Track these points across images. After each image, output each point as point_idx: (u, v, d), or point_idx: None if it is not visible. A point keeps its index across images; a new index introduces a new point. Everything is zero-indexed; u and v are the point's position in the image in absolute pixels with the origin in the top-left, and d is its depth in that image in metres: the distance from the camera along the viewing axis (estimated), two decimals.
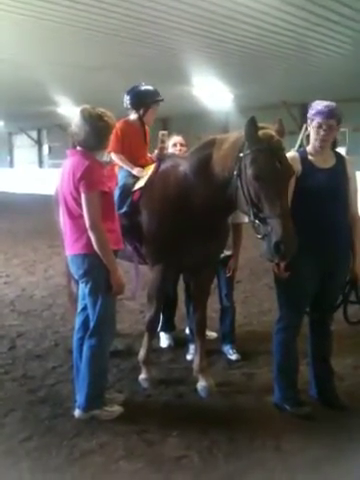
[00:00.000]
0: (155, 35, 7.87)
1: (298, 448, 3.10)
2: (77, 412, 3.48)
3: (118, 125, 4.14)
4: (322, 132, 3.27)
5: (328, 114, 3.26)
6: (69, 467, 2.94)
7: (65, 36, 7.86)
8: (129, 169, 4.00)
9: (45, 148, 27.75)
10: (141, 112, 4.20)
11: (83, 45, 8.47)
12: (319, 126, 3.28)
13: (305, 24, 7.31)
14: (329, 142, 3.34)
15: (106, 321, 3.43)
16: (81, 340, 3.52)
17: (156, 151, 4.06)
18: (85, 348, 3.44)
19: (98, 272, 3.33)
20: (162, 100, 4.25)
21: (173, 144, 4.53)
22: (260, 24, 7.29)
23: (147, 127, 4.33)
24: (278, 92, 13.22)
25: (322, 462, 2.96)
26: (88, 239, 3.27)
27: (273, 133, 3.08)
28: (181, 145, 4.53)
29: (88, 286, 3.38)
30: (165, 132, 4.21)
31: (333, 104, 3.30)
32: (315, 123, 3.29)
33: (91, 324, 3.43)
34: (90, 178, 3.23)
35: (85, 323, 3.52)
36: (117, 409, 3.53)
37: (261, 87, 12.42)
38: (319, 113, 3.27)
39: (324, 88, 10.97)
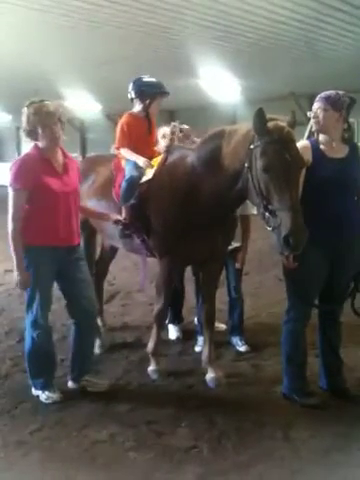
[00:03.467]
0: (163, 27, 7.83)
1: (307, 437, 3.11)
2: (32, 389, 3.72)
3: (123, 119, 4.13)
4: (313, 114, 3.29)
5: (320, 98, 3.29)
6: (79, 457, 2.96)
7: (73, 29, 7.84)
8: (135, 160, 3.94)
9: None
10: (147, 103, 4.12)
11: (91, 38, 8.44)
12: (313, 110, 3.31)
13: (314, 14, 7.23)
14: (326, 128, 3.29)
15: (34, 307, 3.56)
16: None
17: (166, 142, 4.02)
18: None
19: (27, 261, 3.46)
20: (168, 93, 4.19)
21: (162, 135, 4.45)
22: (268, 15, 7.22)
23: (153, 119, 4.27)
24: (286, 83, 13.10)
25: (331, 451, 2.97)
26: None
27: (283, 124, 3.05)
28: (172, 133, 4.43)
29: None
30: (176, 124, 4.18)
31: (335, 91, 3.30)
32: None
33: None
34: (13, 173, 3.38)
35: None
36: (55, 396, 3.63)
37: (269, 78, 12.32)
38: (317, 98, 3.32)
39: (333, 79, 10.83)
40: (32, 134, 3.46)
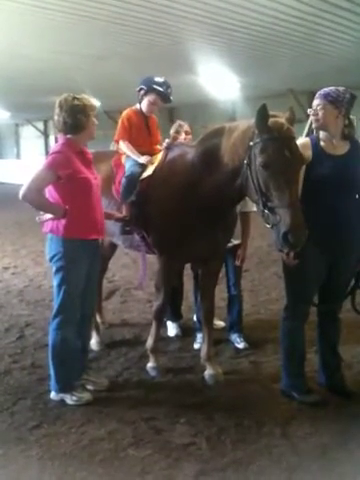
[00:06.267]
0: (161, 23, 7.79)
1: (306, 434, 3.11)
2: (51, 393, 3.59)
3: (125, 113, 4.16)
4: (313, 111, 3.28)
5: (319, 95, 3.28)
6: (78, 454, 2.96)
7: (70, 26, 7.80)
8: (136, 158, 3.95)
9: (51, 139, 27.73)
10: (141, 96, 4.13)
11: (89, 34, 8.41)
12: (312, 107, 3.30)
13: (313, 11, 7.20)
14: (325, 125, 3.27)
15: (69, 305, 3.48)
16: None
17: (167, 140, 4.03)
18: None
19: (63, 256, 3.42)
20: (163, 93, 4.05)
21: (177, 132, 4.49)
22: (267, 11, 7.19)
23: (152, 116, 4.25)
24: (286, 80, 13.06)
25: (330, 448, 2.97)
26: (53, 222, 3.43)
27: (284, 122, 3.05)
28: (186, 133, 4.50)
29: (54, 267, 3.50)
30: (183, 123, 4.16)
31: (334, 88, 3.27)
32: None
33: (54, 307, 3.54)
34: (51, 157, 3.36)
35: None
36: (85, 396, 3.57)
37: (268, 75, 12.28)
38: (316, 96, 3.30)
39: (332, 75, 10.84)
40: (73, 127, 3.41)
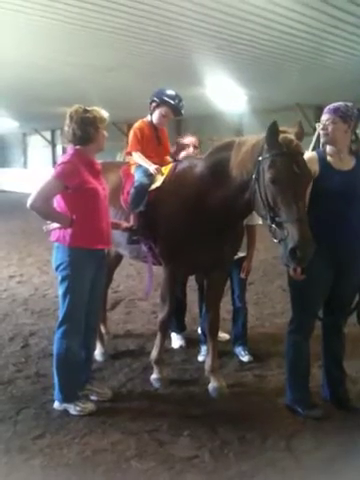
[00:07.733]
0: (169, 36, 7.86)
1: (310, 448, 3.10)
2: (55, 403, 3.59)
3: (136, 125, 4.23)
4: (322, 126, 3.30)
5: (329, 110, 3.30)
6: (80, 465, 2.95)
7: (79, 37, 7.89)
8: (147, 166, 3.99)
9: (59, 149, 27.90)
10: (152, 108, 4.19)
11: (97, 46, 8.49)
12: (322, 122, 3.31)
13: (319, 25, 7.26)
14: (334, 140, 3.29)
15: (73, 315, 3.49)
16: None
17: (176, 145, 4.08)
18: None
19: (69, 265, 3.43)
20: (174, 106, 4.14)
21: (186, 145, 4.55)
22: (274, 25, 7.26)
23: (163, 128, 4.30)
24: (293, 94, 13.13)
25: (334, 462, 2.96)
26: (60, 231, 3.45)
27: (292, 137, 3.08)
28: (194, 147, 4.53)
29: (60, 276, 3.50)
30: (192, 138, 4.22)
31: (343, 103, 3.30)
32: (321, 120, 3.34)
33: (59, 316, 3.54)
34: (60, 167, 3.39)
35: None
36: (89, 406, 3.56)
37: (275, 89, 12.36)
38: (325, 110, 3.32)
39: (339, 89, 10.88)
40: (82, 138, 3.45)
